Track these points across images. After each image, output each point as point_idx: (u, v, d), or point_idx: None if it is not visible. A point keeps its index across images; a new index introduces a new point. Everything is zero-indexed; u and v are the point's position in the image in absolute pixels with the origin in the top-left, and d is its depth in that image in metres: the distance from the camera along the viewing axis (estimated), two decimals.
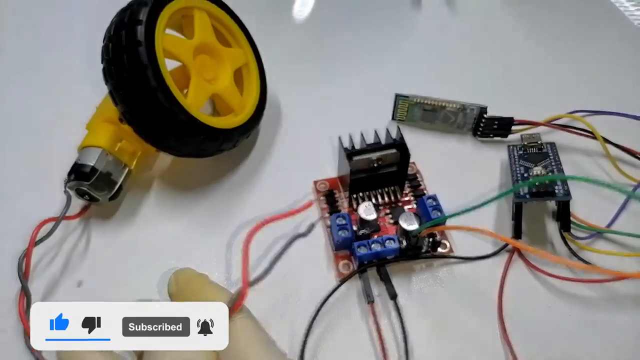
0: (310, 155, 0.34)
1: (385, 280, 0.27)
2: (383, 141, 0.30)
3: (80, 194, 0.29)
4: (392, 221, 0.30)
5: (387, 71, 0.40)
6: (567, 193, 0.28)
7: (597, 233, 0.30)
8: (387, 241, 0.27)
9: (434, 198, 0.28)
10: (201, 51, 0.30)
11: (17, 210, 0.31)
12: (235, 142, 0.31)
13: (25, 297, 0.26)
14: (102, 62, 0.27)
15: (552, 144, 0.32)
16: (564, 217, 0.29)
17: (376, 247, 0.27)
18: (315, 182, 0.32)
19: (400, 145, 0.29)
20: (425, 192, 0.32)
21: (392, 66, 0.40)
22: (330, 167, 0.33)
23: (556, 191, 0.29)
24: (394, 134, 0.30)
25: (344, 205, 0.31)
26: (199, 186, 0.32)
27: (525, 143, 0.32)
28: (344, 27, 0.41)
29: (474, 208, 0.23)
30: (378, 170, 0.30)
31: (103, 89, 0.28)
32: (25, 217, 0.28)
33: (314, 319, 0.26)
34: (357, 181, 0.30)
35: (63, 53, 0.40)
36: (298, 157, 0.34)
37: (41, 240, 0.27)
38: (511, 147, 0.32)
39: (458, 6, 0.44)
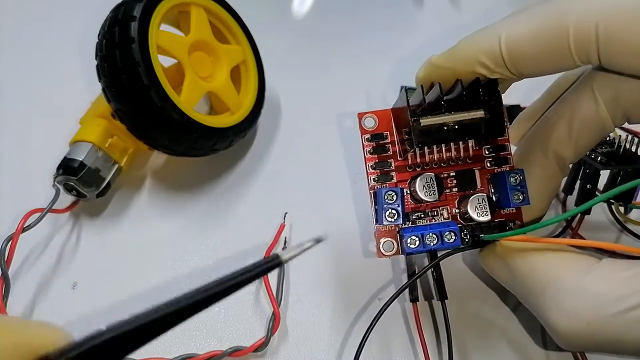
0: (310, 156, 0.33)
1: (438, 280, 0.24)
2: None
3: (68, 189, 0.28)
4: (455, 189, 0.23)
5: (389, 68, 0.39)
6: None
7: None
8: (447, 234, 0.21)
9: (520, 174, 0.22)
10: (197, 48, 0.30)
11: (8, 202, 0.31)
12: (230, 142, 0.30)
13: (4, 284, 0.26)
14: (95, 59, 0.27)
15: None
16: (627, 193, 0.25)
17: (431, 242, 0.21)
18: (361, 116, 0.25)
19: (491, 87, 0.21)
20: (509, 159, 0.23)
21: (394, 63, 0.39)
22: (330, 167, 0.32)
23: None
24: None
25: (396, 159, 0.23)
26: (193, 186, 0.32)
27: None
28: (345, 24, 0.41)
29: (573, 213, 0.21)
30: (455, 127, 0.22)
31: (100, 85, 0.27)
32: (15, 209, 0.28)
33: (373, 324, 0.24)
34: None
35: (63, 48, 0.40)
36: (297, 158, 0.33)
37: (27, 228, 0.27)
38: None
39: (461, 2, 0.43)
